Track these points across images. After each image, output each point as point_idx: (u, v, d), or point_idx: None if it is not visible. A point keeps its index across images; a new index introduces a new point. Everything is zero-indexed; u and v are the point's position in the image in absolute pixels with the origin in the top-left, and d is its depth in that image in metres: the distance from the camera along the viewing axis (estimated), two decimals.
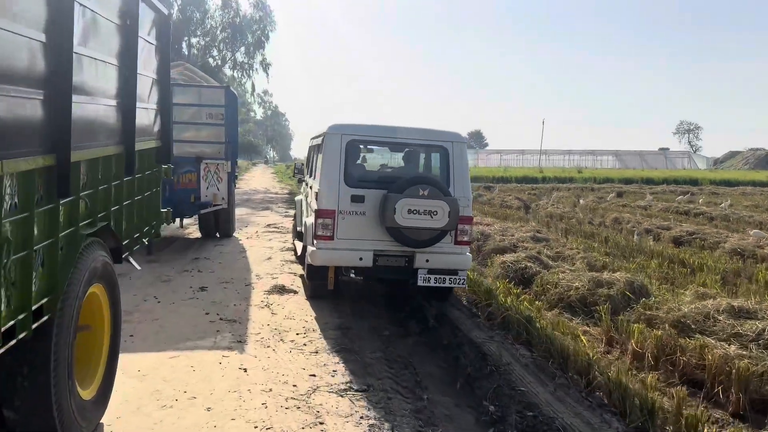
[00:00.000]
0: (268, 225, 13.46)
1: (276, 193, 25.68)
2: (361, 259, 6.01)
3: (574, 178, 41.60)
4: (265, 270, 8.21)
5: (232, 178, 11.45)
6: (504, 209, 18.23)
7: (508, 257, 8.24)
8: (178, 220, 9.82)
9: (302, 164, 8.92)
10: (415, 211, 5.75)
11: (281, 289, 6.99)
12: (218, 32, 38.51)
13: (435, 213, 5.77)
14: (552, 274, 7.44)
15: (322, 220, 5.99)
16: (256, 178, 40.75)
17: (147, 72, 4.26)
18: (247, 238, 11.32)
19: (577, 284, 6.85)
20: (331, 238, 6.00)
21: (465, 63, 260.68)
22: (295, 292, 6.97)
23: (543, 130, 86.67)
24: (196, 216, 10.48)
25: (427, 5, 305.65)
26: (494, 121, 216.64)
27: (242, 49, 39.54)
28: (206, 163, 9.52)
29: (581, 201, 22.06)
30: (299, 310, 6.19)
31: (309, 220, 6.64)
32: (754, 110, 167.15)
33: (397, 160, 8.14)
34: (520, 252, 8.76)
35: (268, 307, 6.24)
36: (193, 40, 38.92)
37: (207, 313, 5.89)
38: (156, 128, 4.66)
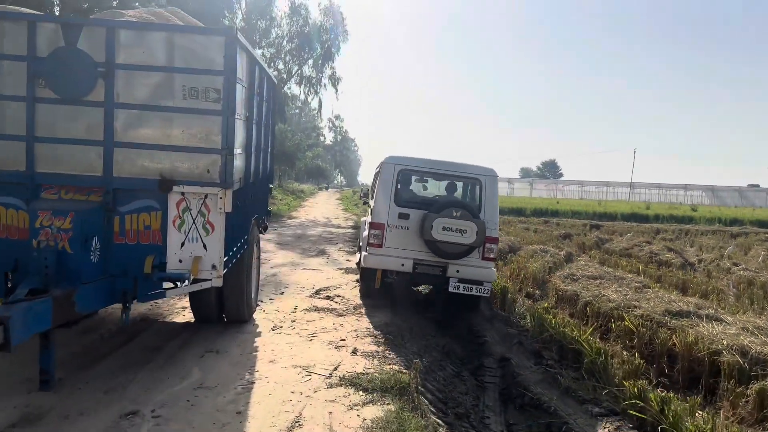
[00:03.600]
0: (318, 291, 8.34)
1: (338, 226, 20.74)
2: (403, 265, 7.17)
3: (693, 217, 34.53)
4: None
5: (253, 221, 6.44)
6: (665, 269, 12.34)
7: None
8: (121, 310, 4.80)
9: (368, 189, 9.41)
10: (448, 229, 6.85)
11: None
12: (284, 42, 34.67)
13: (465, 231, 6.86)
14: None
15: (374, 231, 7.27)
16: (320, 205, 36.27)
17: None
18: (273, 328, 6.20)
19: None
20: (380, 246, 7.22)
21: (541, 90, 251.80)
22: None
23: (634, 160, 78.57)
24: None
25: (509, 29, 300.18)
26: (573, 151, 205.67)
27: (310, 61, 35.55)
28: (181, 194, 4.53)
29: (760, 254, 15.73)
30: None
31: (365, 232, 7.85)
32: None
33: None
34: None
35: None
36: (257, 52, 35.24)
37: None
38: None
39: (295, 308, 7.20)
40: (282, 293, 8.11)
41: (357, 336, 6.01)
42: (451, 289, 7.06)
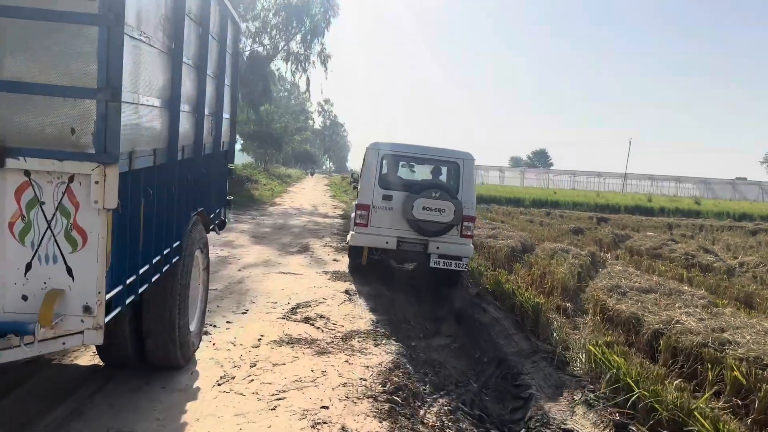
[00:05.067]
0: (294, 309, 6.25)
1: (326, 215, 18.64)
2: (387, 242, 7.69)
3: (700, 211, 32.89)
4: None
5: (194, 217, 4.34)
6: (712, 276, 10.40)
7: None
8: None
9: (358, 174, 9.43)
10: (428, 209, 7.46)
11: None
12: (271, 15, 32.18)
13: (443, 210, 7.47)
14: None
15: (360, 212, 7.82)
16: (306, 191, 34.07)
17: None
18: (220, 381, 4.10)
19: None
20: (366, 225, 7.76)
21: (532, 79, 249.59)
22: None
23: (629, 151, 76.97)
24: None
25: (501, 20, 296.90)
26: (562, 140, 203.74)
27: (298, 37, 33.12)
28: (25, 174, 2.44)
29: None
30: None
31: (353, 213, 8.36)
32: None
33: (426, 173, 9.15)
34: None
35: None
36: (242, 26, 32.75)
37: None
38: None
39: (260, 339, 5.12)
40: (245, 312, 6.02)
41: (347, 396, 3.95)
42: (432, 265, 7.61)
